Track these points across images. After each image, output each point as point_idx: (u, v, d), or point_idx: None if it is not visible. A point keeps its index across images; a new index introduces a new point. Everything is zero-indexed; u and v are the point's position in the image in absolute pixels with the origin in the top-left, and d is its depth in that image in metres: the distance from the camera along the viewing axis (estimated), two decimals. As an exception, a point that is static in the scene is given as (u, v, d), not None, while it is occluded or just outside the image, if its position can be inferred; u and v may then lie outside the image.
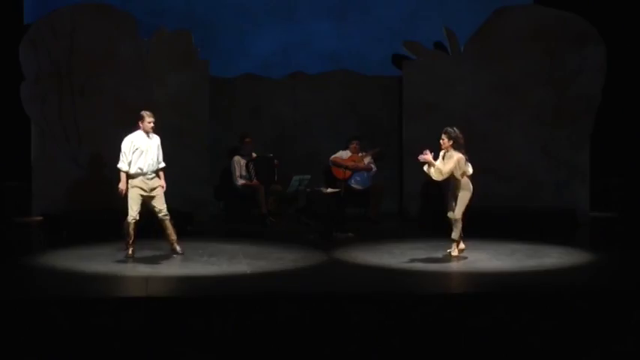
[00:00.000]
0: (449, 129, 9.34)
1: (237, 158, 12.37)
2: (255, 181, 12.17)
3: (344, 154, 12.56)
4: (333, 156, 12.55)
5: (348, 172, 12.46)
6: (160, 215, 9.49)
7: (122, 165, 9.46)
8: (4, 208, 11.91)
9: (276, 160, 12.32)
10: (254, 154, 12.35)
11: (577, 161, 12.59)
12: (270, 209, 12.13)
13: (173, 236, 9.58)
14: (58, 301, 7.37)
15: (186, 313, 7.29)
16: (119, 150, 9.16)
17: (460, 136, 9.30)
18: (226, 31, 13.13)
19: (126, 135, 9.49)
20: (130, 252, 9.41)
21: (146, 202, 9.45)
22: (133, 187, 9.40)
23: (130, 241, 9.40)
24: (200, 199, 12.24)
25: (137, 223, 9.37)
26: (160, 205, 9.49)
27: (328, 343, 7.18)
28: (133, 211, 9.34)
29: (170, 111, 11.93)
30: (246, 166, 12.30)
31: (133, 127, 9.56)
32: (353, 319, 7.30)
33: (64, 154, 12.12)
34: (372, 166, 12.49)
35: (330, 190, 11.40)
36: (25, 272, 8.80)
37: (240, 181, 12.31)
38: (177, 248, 9.58)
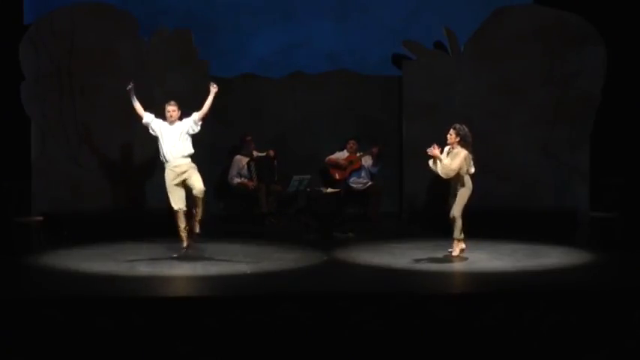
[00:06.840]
0: (458, 125, 9.36)
1: (238, 157, 12.39)
2: (253, 180, 12.17)
3: (341, 155, 12.57)
4: (328, 157, 12.57)
5: (346, 172, 12.46)
6: (193, 192, 9.47)
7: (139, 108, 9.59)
8: (4, 208, 11.89)
9: (272, 152, 12.29)
10: (255, 153, 12.36)
11: (577, 161, 12.58)
12: (270, 209, 12.13)
13: (198, 216, 9.53)
14: (58, 301, 7.37)
15: (186, 313, 7.29)
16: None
17: (469, 135, 9.34)
18: (226, 31, 13.12)
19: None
20: (184, 245, 9.45)
21: (185, 186, 9.47)
22: (165, 176, 9.49)
23: (182, 234, 9.44)
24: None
25: (185, 213, 9.43)
26: (193, 181, 9.46)
27: (328, 343, 7.17)
28: (174, 201, 9.43)
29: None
30: (247, 165, 12.31)
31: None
32: (353, 319, 7.29)
33: (64, 154, 12.11)
34: (370, 164, 12.50)
35: (330, 190, 11.40)
36: (25, 272, 8.80)
37: (236, 180, 12.33)
38: (197, 229, 9.52)
